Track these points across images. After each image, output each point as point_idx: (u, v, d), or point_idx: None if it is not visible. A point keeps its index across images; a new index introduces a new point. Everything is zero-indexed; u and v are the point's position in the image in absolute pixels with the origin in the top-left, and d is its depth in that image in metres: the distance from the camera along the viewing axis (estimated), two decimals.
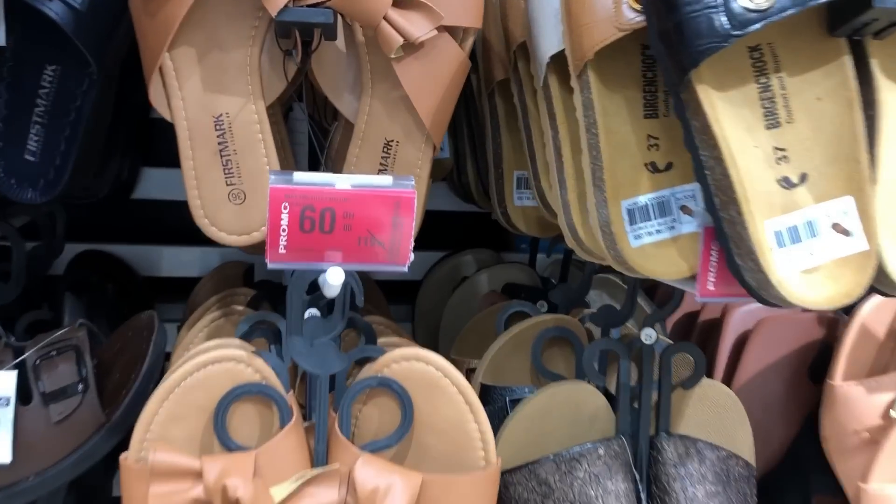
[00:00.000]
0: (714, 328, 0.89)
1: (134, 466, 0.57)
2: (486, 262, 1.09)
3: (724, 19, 0.49)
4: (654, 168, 0.61)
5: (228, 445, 0.58)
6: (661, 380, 0.74)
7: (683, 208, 0.61)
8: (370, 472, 0.57)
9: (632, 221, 0.60)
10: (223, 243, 0.68)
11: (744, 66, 0.53)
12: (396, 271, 0.55)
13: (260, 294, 0.86)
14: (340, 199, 0.52)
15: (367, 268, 0.55)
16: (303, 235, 0.52)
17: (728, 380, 0.85)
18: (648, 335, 0.73)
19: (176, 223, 1.08)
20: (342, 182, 0.52)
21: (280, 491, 0.56)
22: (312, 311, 0.64)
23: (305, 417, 0.65)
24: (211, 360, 0.58)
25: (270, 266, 0.54)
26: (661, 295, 1.00)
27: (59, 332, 0.68)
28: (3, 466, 0.64)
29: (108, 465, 0.66)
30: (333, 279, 0.54)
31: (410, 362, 0.60)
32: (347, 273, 0.55)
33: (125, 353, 0.71)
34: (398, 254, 0.55)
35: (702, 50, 0.49)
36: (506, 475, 0.70)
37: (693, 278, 0.62)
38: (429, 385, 0.60)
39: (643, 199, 0.60)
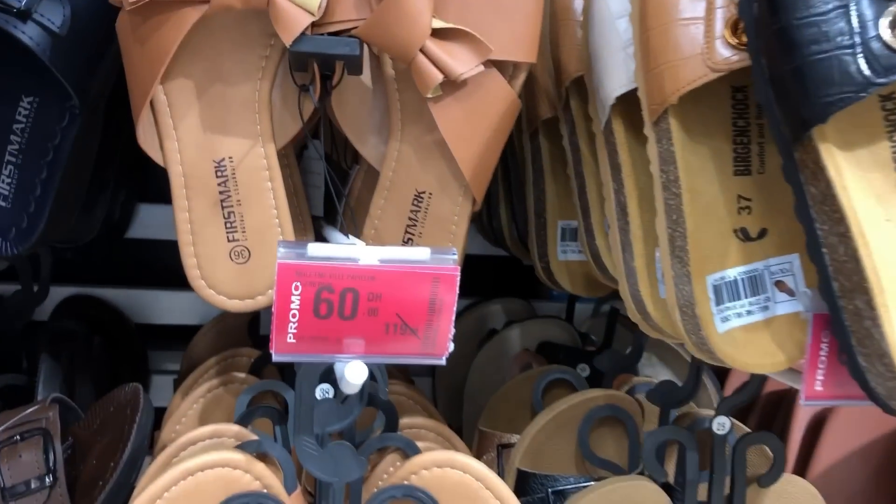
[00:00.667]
0: (781, 404, 0.78)
1: None
2: (516, 314, 0.99)
3: (862, 63, 0.38)
4: (745, 236, 0.50)
5: None
6: (735, 475, 0.63)
7: (779, 284, 0.51)
8: None
9: (718, 301, 0.49)
10: (222, 308, 0.58)
11: (875, 120, 0.42)
12: (432, 364, 0.45)
13: (265, 356, 0.75)
14: (365, 278, 0.41)
15: (396, 361, 0.45)
16: (318, 322, 0.42)
17: (802, 469, 0.74)
18: (721, 425, 0.62)
19: (174, 265, 0.98)
20: (368, 256, 0.42)
21: None
22: (324, 388, 0.54)
23: None
24: (201, 466, 0.47)
25: (276, 359, 0.43)
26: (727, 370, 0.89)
27: (26, 413, 0.57)
28: None
29: None
30: (354, 376, 0.43)
31: (444, 469, 0.50)
32: (372, 367, 0.44)
33: (105, 434, 0.60)
34: (435, 343, 0.44)
35: (831, 101, 0.39)
36: None
37: (791, 370, 0.51)
38: (466, 497, 0.49)
39: (732, 273, 0.50)
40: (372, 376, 0.49)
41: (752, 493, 0.64)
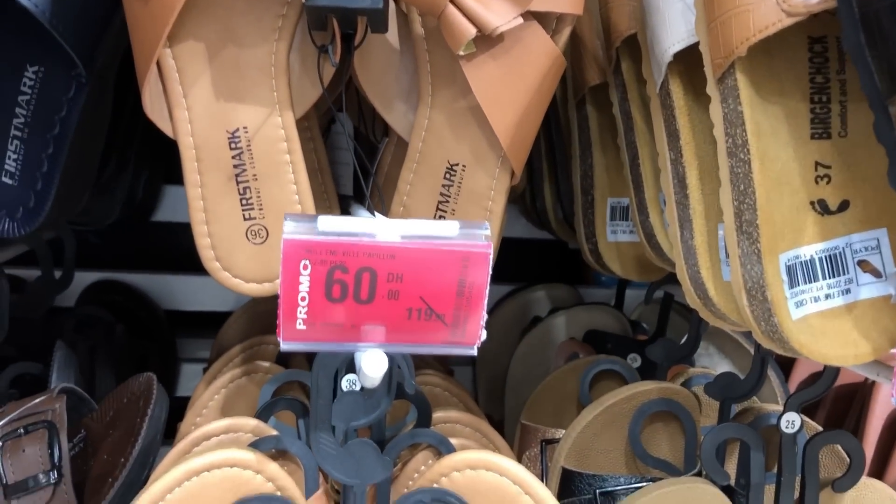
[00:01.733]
0: (853, 398, 0.71)
1: None
2: (562, 300, 0.93)
3: None
4: (823, 208, 0.44)
5: None
6: (805, 478, 0.56)
7: (863, 264, 0.44)
8: None
9: (792, 283, 0.43)
10: (238, 292, 0.53)
11: None
12: (462, 354, 0.39)
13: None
14: (384, 257, 0.36)
15: (420, 350, 0.39)
16: (330, 306, 0.37)
17: (879, 472, 0.67)
18: (790, 422, 0.55)
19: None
20: (387, 231, 0.36)
21: None
22: (351, 379, 0.49)
23: None
24: (207, 466, 0.43)
25: (284, 348, 0.38)
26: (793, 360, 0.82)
27: (31, 404, 0.53)
28: None
29: None
30: (372, 368, 0.38)
31: (478, 472, 0.44)
32: (393, 356, 0.39)
33: (118, 427, 0.56)
34: (465, 331, 0.39)
35: None
36: None
37: (876, 362, 0.45)
38: (502, 502, 0.44)
39: (808, 251, 0.43)
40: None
41: (826, 497, 0.57)
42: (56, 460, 0.52)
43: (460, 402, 0.65)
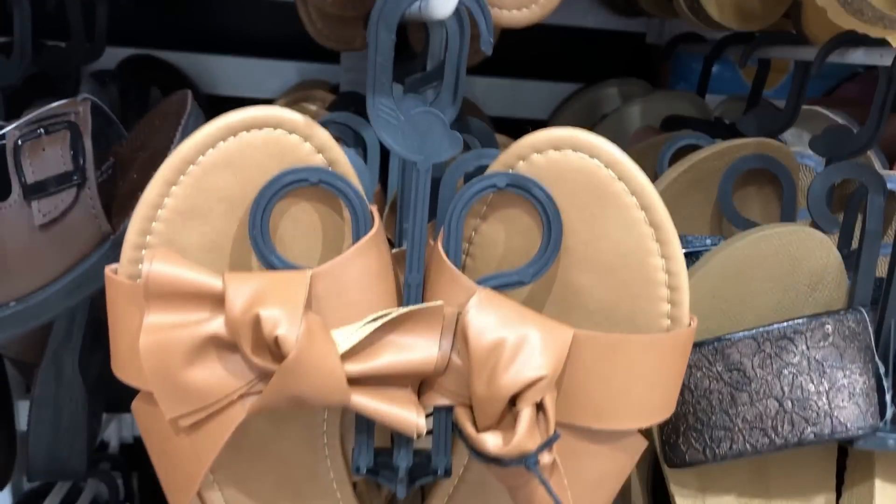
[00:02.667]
0: None
1: (123, 283, 0.36)
2: (637, 97, 0.84)
3: None
4: None
5: (270, 261, 0.36)
6: None
7: None
8: (491, 317, 0.35)
9: None
10: None
11: None
12: None
13: (343, 98, 0.64)
14: None
15: None
16: None
17: None
18: None
19: (245, 29, 0.87)
20: None
21: (347, 336, 0.35)
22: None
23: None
24: (247, 123, 0.36)
25: None
26: None
27: (51, 106, 0.47)
28: None
29: None
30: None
31: (563, 152, 0.37)
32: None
33: (147, 148, 0.51)
34: None
35: None
36: None
37: None
38: (591, 190, 0.37)
39: None
40: None
41: None
42: (80, 163, 0.46)
43: None
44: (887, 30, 0.45)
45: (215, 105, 0.89)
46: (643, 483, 0.59)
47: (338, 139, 0.48)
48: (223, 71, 0.86)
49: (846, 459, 0.53)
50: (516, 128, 0.86)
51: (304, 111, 0.59)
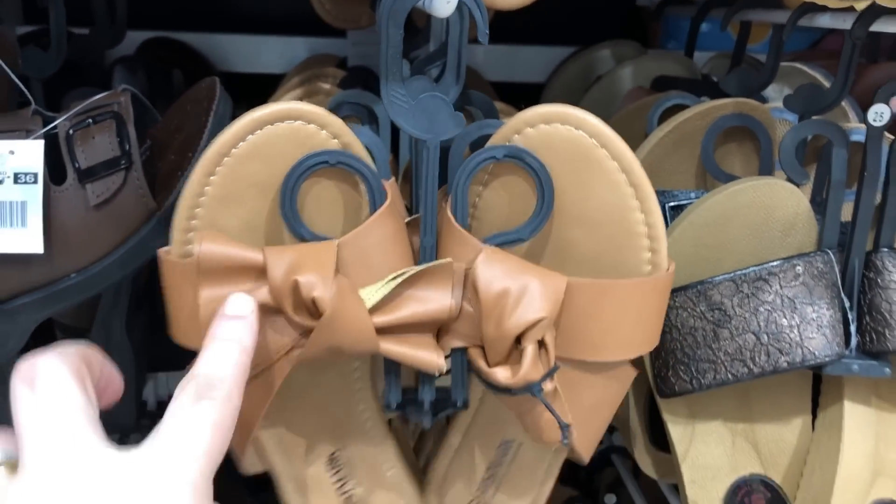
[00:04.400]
0: None
1: (178, 263, 0.42)
2: (629, 58, 0.89)
3: None
4: None
5: (300, 234, 0.42)
6: (889, 177, 0.54)
7: None
8: (496, 270, 0.41)
9: None
10: None
11: None
12: None
13: (353, 73, 0.69)
14: None
15: None
16: None
17: None
18: (879, 113, 0.52)
19: (259, 8, 0.92)
20: None
21: (372, 293, 0.41)
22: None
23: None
24: (269, 118, 0.42)
25: None
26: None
27: (96, 98, 0.53)
28: (37, 259, 0.51)
29: None
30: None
31: (553, 126, 0.43)
32: None
33: (182, 132, 0.56)
34: None
35: None
36: None
37: None
38: (578, 157, 0.43)
39: None
40: None
41: None
42: (126, 148, 0.52)
43: None
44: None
45: (230, 81, 0.94)
46: (641, 415, 0.65)
47: (353, 117, 0.54)
48: (236, 49, 0.91)
49: (820, 385, 0.60)
50: (516, 91, 0.91)
51: (318, 90, 0.65)
